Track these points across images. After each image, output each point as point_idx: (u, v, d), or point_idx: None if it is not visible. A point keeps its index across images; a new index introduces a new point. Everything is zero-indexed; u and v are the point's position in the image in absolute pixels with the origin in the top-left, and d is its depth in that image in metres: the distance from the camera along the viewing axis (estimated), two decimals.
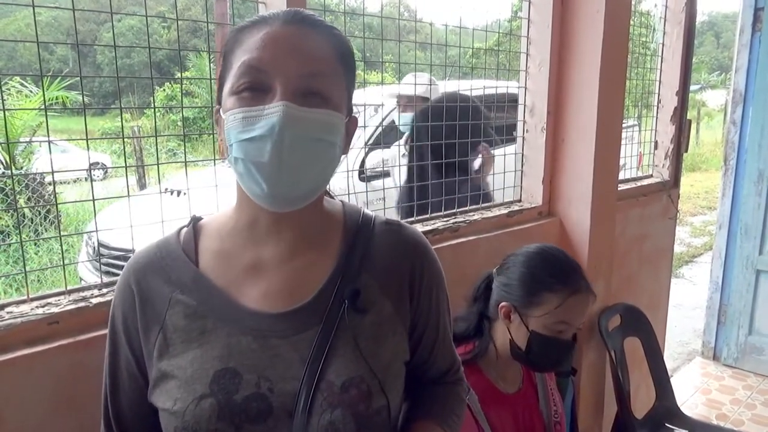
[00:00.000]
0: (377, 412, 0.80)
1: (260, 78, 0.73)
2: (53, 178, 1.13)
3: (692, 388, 3.53)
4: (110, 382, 0.87)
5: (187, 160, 1.29)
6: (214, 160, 1.36)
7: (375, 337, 0.83)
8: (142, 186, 7.40)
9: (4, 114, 1.00)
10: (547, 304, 1.33)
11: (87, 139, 1.09)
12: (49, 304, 1.11)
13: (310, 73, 0.74)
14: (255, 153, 0.72)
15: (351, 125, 0.84)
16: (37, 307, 1.09)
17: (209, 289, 0.82)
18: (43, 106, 5.82)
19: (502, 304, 1.38)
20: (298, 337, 0.79)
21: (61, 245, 1.15)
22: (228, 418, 0.75)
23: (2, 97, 1.00)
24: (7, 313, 1.07)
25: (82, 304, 1.12)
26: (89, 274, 3.53)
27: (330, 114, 0.75)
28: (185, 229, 0.88)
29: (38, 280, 5.12)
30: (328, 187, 0.90)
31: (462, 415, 1.00)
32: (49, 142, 1.10)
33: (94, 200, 1.14)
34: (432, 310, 0.93)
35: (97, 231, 1.14)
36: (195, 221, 0.90)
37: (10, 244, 5.72)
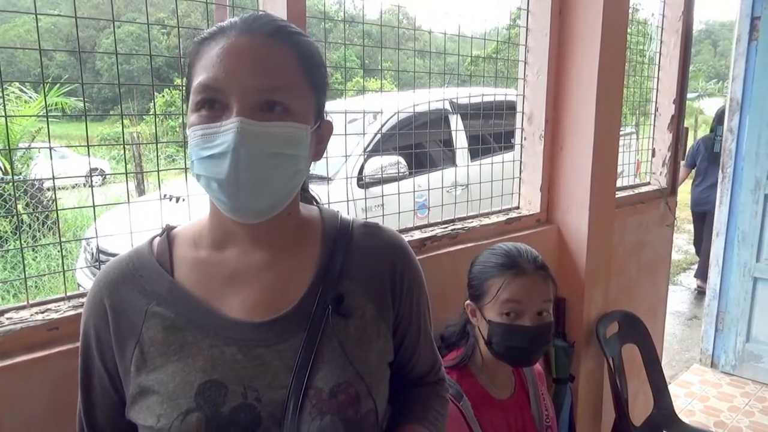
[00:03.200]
0: (366, 416, 0.80)
1: (216, 96, 0.72)
2: (54, 183, 1.13)
3: (690, 395, 3.53)
4: (84, 398, 0.85)
5: (186, 166, 1.29)
6: None
7: (360, 342, 0.83)
8: (141, 192, 7.39)
9: (6, 121, 1.01)
10: (492, 289, 1.37)
11: (88, 146, 1.09)
12: (48, 310, 1.11)
13: (268, 87, 0.72)
14: (214, 170, 0.71)
15: (324, 130, 0.83)
16: (36, 313, 1.10)
17: (187, 299, 0.80)
18: (42, 112, 5.83)
19: (466, 303, 1.46)
20: (283, 346, 0.78)
21: (61, 251, 1.16)
22: (216, 431, 0.74)
23: (4, 103, 1.01)
24: (7, 319, 1.07)
25: (81, 310, 1.11)
26: (87, 280, 3.53)
27: (290, 126, 0.74)
28: (158, 239, 0.86)
29: (36, 286, 5.11)
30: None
31: (445, 413, 1.00)
32: (50, 148, 1.10)
33: (94, 206, 1.15)
34: (414, 310, 0.93)
35: (97, 237, 1.15)
36: (168, 230, 0.88)
37: (8, 251, 5.71)
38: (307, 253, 0.86)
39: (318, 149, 0.83)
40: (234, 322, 0.79)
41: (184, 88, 0.81)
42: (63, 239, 5.62)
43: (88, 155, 1.10)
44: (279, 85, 0.73)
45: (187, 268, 0.83)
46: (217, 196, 0.74)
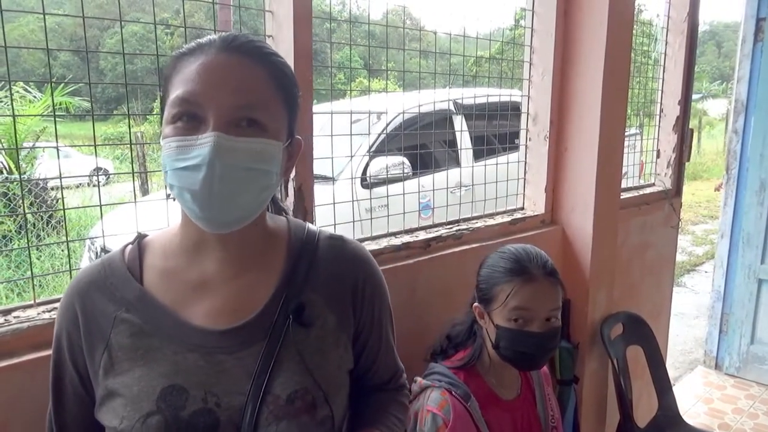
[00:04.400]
0: (321, 423, 0.82)
1: (193, 110, 0.74)
2: (61, 183, 1.14)
3: (694, 397, 3.53)
4: (54, 400, 0.88)
5: None
6: None
7: (320, 350, 0.85)
8: (145, 191, 7.41)
9: (14, 120, 1.01)
10: (501, 295, 1.36)
11: (95, 145, 1.09)
12: (55, 309, 1.11)
13: (244, 104, 0.75)
14: (188, 181, 0.74)
15: (294, 147, 0.86)
16: (43, 311, 1.10)
17: (154, 307, 0.82)
18: (47, 112, 5.84)
19: (474, 305, 1.45)
20: (243, 353, 0.81)
21: (68, 250, 1.16)
22: None
23: (12, 103, 1.01)
24: (14, 317, 1.07)
25: None
26: None
27: (264, 142, 0.76)
28: (130, 247, 0.89)
29: (40, 285, 5.13)
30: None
31: (404, 419, 1.03)
32: (57, 147, 1.10)
33: (101, 206, 1.15)
34: (375, 321, 0.96)
35: (104, 236, 1.15)
36: (140, 239, 0.90)
37: (12, 250, 5.72)
38: (272, 263, 0.88)
39: (288, 165, 0.86)
40: (198, 329, 0.81)
41: (160, 99, 0.83)
42: (68, 239, 5.62)
43: (95, 155, 1.10)
44: (254, 103, 0.76)
45: (156, 276, 0.85)
46: (189, 206, 0.77)
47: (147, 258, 0.87)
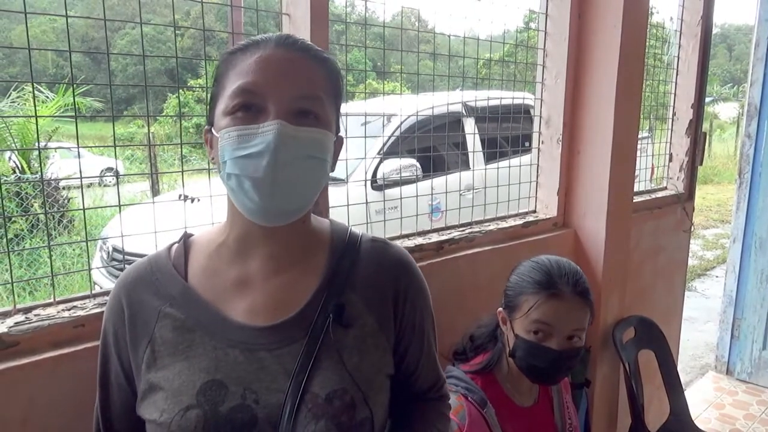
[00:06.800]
0: (361, 424, 0.82)
1: (254, 100, 0.76)
2: (82, 183, 1.15)
3: (705, 402, 3.50)
4: (101, 395, 0.90)
5: (209, 167, 1.30)
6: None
7: (359, 351, 0.85)
8: (156, 192, 7.46)
9: (36, 121, 1.03)
10: (525, 306, 1.35)
11: (115, 146, 1.11)
12: (75, 307, 1.13)
13: (302, 95, 0.78)
14: (250, 169, 0.75)
15: (337, 144, 0.87)
16: (63, 310, 1.11)
17: (197, 302, 0.84)
18: (59, 112, 5.89)
19: (499, 309, 1.44)
20: (283, 350, 0.81)
21: (87, 250, 1.17)
22: (213, 429, 0.77)
23: (35, 105, 1.02)
24: (35, 315, 1.09)
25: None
26: (103, 279, 3.56)
27: (321, 132, 0.79)
28: (176, 245, 0.91)
29: (50, 283, 5.16)
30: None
31: (445, 431, 1.02)
32: (78, 148, 1.12)
33: (120, 206, 1.17)
34: (416, 327, 0.95)
35: (122, 236, 1.16)
36: (185, 237, 0.92)
37: (32, 249, 5.78)
38: (314, 263, 0.89)
39: (332, 161, 0.87)
40: (239, 325, 0.83)
41: (208, 95, 0.85)
42: (78, 238, 5.69)
43: (115, 156, 1.12)
44: (312, 94, 0.79)
45: (200, 273, 0.87)
46: (249, 196, 0.77)
47: (192, 255, 0.89)
